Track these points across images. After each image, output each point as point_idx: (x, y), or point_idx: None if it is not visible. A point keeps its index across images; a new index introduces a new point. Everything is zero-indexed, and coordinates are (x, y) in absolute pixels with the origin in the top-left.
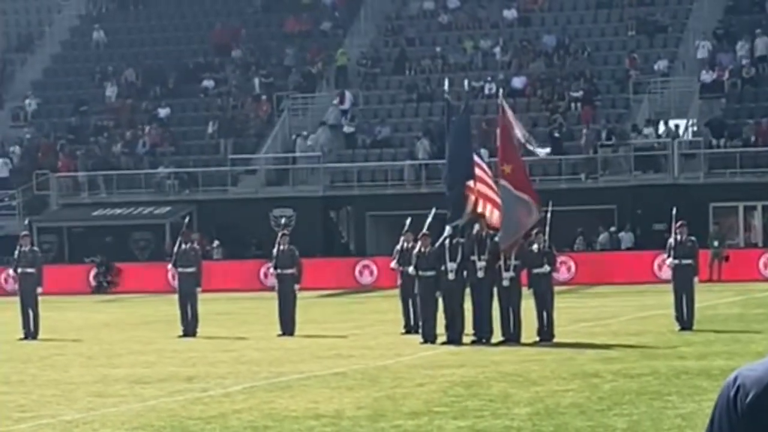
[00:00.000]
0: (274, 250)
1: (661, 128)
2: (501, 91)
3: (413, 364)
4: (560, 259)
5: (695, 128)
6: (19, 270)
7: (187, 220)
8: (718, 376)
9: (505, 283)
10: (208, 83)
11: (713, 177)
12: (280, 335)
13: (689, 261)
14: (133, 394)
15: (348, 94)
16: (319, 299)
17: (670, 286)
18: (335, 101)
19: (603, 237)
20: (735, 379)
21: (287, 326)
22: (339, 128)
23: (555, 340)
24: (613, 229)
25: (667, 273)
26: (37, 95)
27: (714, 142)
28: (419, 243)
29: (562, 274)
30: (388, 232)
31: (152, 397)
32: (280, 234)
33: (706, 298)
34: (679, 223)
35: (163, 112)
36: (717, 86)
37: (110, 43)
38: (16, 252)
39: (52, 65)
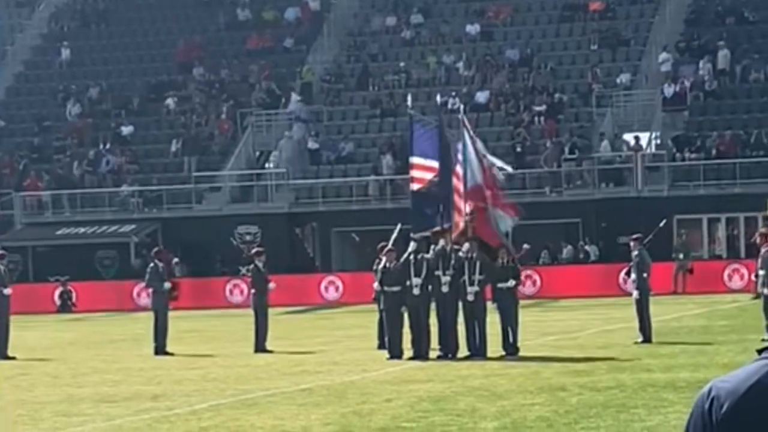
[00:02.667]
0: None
1: (631, 141)
2: (462, 107)
3: (380, 379)
4: (525, 272)
5: (658, 141)
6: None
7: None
8: (684, 388)
9: (470, 297)
10: (171, 101)
11: (677, 190)
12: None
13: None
14: (99, 413)
15: (298, 125)
16: (285, 316)
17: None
18: (287, 133)
19: (567, 250)
20: (709, 390)
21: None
22: (303, 144)
23: (521, 353)
24: (580, 243)
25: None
26: (0, 114)
27: (677, 155)
28: (384, 258)
29: (527, 287)
30: (353, 248)
31: (118, 416)
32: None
33: (672, 310)
34: (635, 236)
35: (126, 130)
36: (679, 99)
37: (73, 62)
38: None
39: (15, 84)
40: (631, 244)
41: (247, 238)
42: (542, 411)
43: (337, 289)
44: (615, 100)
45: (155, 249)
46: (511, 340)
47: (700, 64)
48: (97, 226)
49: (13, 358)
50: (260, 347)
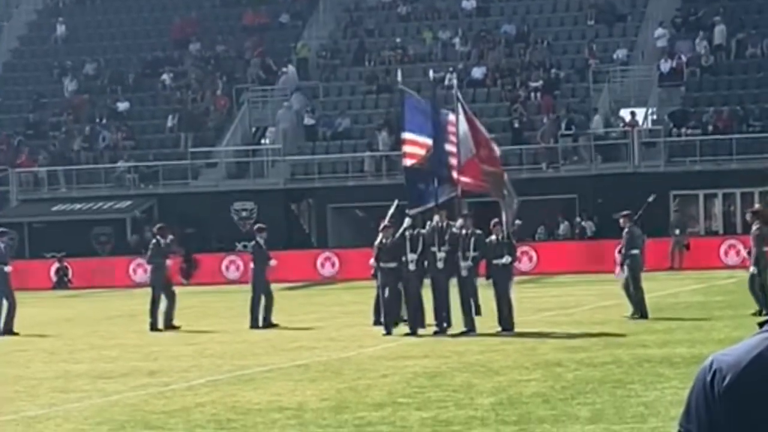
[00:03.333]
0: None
1: (627, 116)
2: (455, 82)
3: (376, 355)
4: (522, 248)
5: (655, 117)
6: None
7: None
8: (680, 364)
9: (463, 273)
10: (167, 77)
11: (673, 165)
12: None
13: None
14: (96, 389)
15: (297, 95)
16: (281, 292)
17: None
18: (286, 103)
19: (564, 227)
20: (711, 364)
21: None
22: (299, 120)
23: (517, 329)
24: (577, 219)
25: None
26: None
27: (674, 130)
28: (380, 234)
29: (523, 263)
30: (349, 224)
31: (115, 391)
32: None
33: (668, 286)
34: (624, 213)
35: (122, 106)
36: (676, 75)
37: (69, 38)
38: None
39: (11, 60)
40: (621, 221)
41: (243, 214)
42: (538, 387)
43: (333, 265)
44: (611, 75)
45: (158, 225)
46: (506, 316)
47: (697, 40)
48: (93, 202)
49: (17, 334)
50: (266, 322)
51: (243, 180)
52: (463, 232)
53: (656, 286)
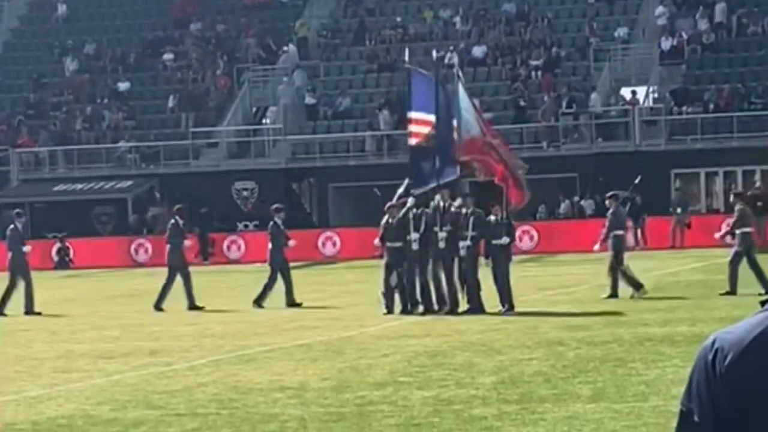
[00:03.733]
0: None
1: (627, 95)
2: (456, 61)
3: (378, 334)
4: (523, 227)
5: (656, 95)
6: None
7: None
8: (681, 342)
9: (462, 252)
10: (167, 57)
11: (674, 144)
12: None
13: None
14: (97, 369)
15: (299, 72)
16: None
17: (634, 254)
18: (286, 78)
19: (565, 205)
20: (713, 342)
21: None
22: (300, 99)
23: (519, 309)
24: (576, 198)
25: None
26: None
27: (675, 108)
28: (386, 215)
29: (524, 242)
30: (350, 204)
31: (116, 371)
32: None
33: (669, 264)
34: (610, 193)
35: (123, 86)
36: (677, 53)
37: (69, 18)
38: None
39: (11, 40)
40: (607, 201)
41: (244, 194)
42: (540, 366)
43: (334, 244)
44: (612, 53)
45: (177, 206)
46: (505, 296)
47: (697, 17)
48: (95, 182)
49: (39, 314)
50: (290, 301)
51: (244, 160)
52: (463, 211)
53: (657, 265)
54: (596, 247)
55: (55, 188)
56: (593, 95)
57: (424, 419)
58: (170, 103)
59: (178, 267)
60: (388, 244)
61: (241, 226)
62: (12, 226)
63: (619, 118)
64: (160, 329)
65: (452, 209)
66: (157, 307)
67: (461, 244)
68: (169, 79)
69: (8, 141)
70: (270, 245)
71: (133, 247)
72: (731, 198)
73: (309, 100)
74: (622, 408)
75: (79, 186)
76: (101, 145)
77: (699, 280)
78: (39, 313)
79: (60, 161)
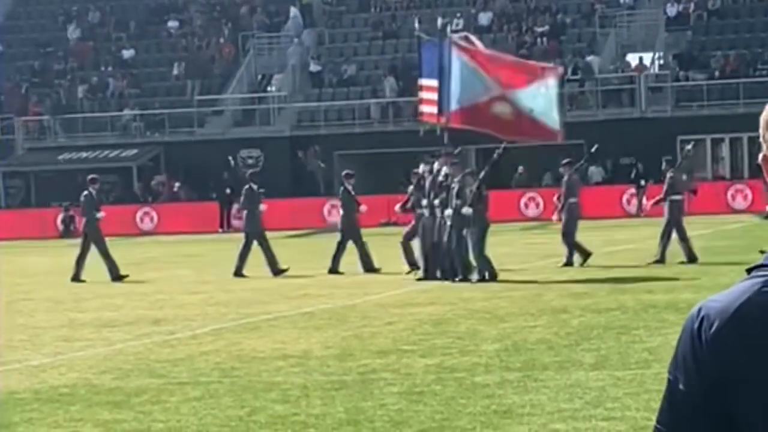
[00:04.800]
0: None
1: (634, 61)
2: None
3: (382, 303)
4: (529, 194)
5: (662, 62)
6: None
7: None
8: (685, 309)
9: (447, 221)
10: (172, 24)
11: (680, 110)
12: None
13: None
14: (101, 338)
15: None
16: (288, 239)
17: (639, 221)
18: (295, 40)
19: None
20: (699, 310)
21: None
22: (304, 67)
23: (524, 277)
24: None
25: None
26: (0, 39)
27: (681, 74)
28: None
29: (530, 209)
30: (356, 171)
31: (119, 340)
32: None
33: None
34: (565, 161)
35: (127, 53)
36: (683, 19)
37: None
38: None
39: (15, 8)
40: (561, 169)
41: (250, 161)
42: (543, 333)
43: (339, 212)
44: (618, 20)
45: (250, 171)
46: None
47: None
48: (99, 150)
49: (126, 276)
50: (368, 267)
51: (249, 128)
52: (448, 180)
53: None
54: (554, 217)
55: (60, 157)
56: (590, 58)
57: (426, 387)
58: (175, 71)
59: (255, 234)
60: (418, 210)
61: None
62: (86, 192)
63: (624, 85)
64: (163, 297)
65: (439, 177)
66: (237, 273)
67: (446, 213)
68: (174, 46)
69: (13, 109)
70: (342, 211)
71: (138, 215)
72: (663, 165)
73: (314, 67)
74: (624, 375)
75: (84, 154)
76: (106, 113)
77: (704, 246)
78: (126, 276)
79: (64, 130)
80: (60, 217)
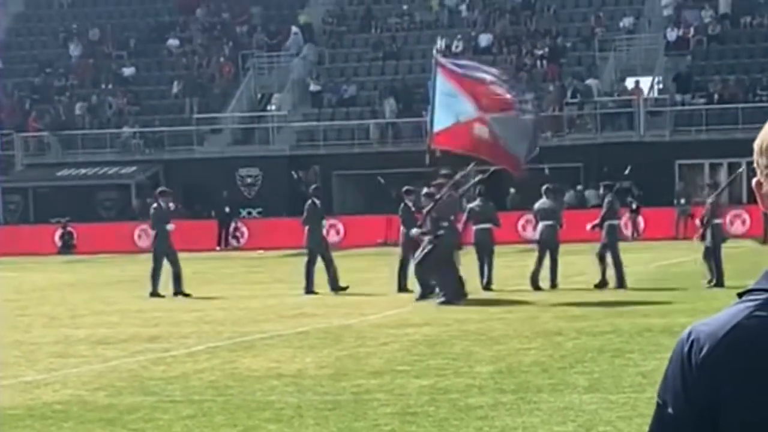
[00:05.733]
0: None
1: (631, 85)
2: (435, 51)
3: (377, 323)
4: (527, 217)
5: (661, 86)
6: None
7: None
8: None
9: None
10: (172, 42)
11: (679, 135)
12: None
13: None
14: (95, 355)
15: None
16: (285, 258)
17: (635, 244)
18: (296, 60)
19: (569, 195)
20: (689, 334)
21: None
22: (304, 86)
23: (519, 297)
24: (579, 187)
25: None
26: (1, 56)
27: (679, 98)
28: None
29: (528, 232)
30: (354, 192)
31: (114, 357)
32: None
33: (672, 255)
34: (544, 187)
35: (127, 71)
36: (683, 43)
37: (74, 2)
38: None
39: (15, 24)
40: (602, 190)
41: (248, 180)
42: (538, 355)
43: (338, 232)
44: (618, 44)
45: (313, 186)
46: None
47: (703, 8)
48: (98, 167)
49: (188, 295)
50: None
51: (248, 146)
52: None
53: (661, 255)
54: (588, 226)
55: (59, 173)
56: (589, 81)
57: (420, 408)
58: (175, 89)
59: (317, 249)
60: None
61: (244, 213)
62: (155, 204)
63: (624, 109)
64: (159, 315)
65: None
66: (308, 290)
67: (413, 231)
68: (174, 64)
69: (13, 125)
70: (402, 228)
71: (136, 232)
72: (705, 189)
73: (314, 87)
74: (617, 399)
75: (83, 171)
76: (105, 130)
77: (701, 270)
78: (188, 295)
79: (64, 147)
80: (58, 233)
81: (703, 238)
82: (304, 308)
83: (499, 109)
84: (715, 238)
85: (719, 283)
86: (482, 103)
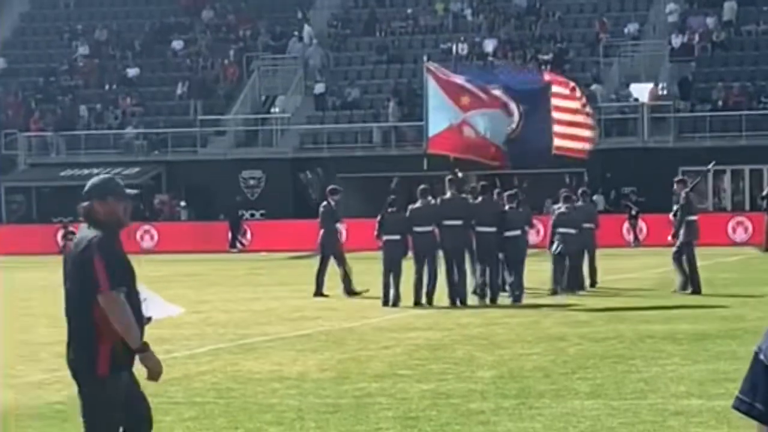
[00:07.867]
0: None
1: (634, 92)
2: (426, 59)
3: (379, 326)
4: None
5: (665, 92)
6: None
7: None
8: (683, 340)
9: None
10: (177, 44)
11: (683, 141)
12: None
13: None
14: None
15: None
16: (288, 261)
17: (637, 250)
18: (300, 62)
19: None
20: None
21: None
22: (308, 89)
23: (522, 303)
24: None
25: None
26: (6, 55)
27: (683, 105)
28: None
29: (531, 236)
30: (357, 194)
31: None
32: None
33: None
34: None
35: (132, 72)
36: (687, 50)
37: (79, 2)
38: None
39: (21, 24)
40: (675, 187)
41: (252, 182)
42: (540, 361)
43: (340, 235)
44: (622, 50)
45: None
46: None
47: (708, 15)
48: (102, 168)
49: (359, 293)
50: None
51: (252, 148)
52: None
53: (663, 262)
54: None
55: (62, 173)
56: (594, 87)
57: (421, 412)
58: (179, 91)
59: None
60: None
61: (247, 214)
62: (325, 203)
63: (628, 114)
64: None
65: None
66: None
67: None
68: (179, 66)
69: (17, 125)
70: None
71: (139, 233)
72: (675, 186)
73: (318, 89)
74: (619, 405)
75: (86, 171)
76: (109, 131)
77: (703, 278)
78: (359, 293)
79: (67, 146)
80: (60, 233)
81: (675, 236)
82: (306, 311)
83: (480, 107)
84: (689, 235)
85: (696, 290)
86: (463, 104)
